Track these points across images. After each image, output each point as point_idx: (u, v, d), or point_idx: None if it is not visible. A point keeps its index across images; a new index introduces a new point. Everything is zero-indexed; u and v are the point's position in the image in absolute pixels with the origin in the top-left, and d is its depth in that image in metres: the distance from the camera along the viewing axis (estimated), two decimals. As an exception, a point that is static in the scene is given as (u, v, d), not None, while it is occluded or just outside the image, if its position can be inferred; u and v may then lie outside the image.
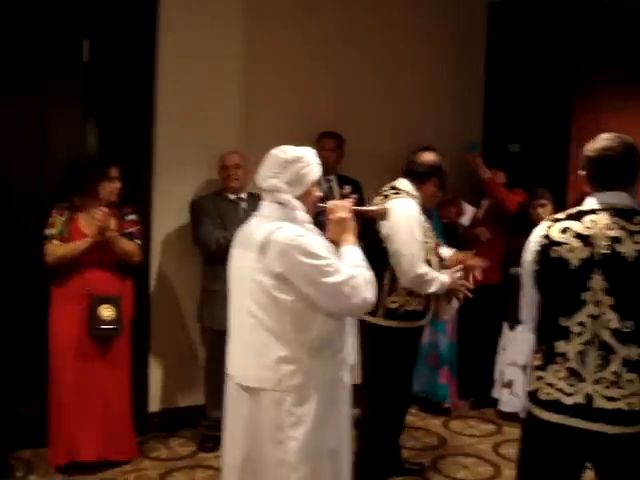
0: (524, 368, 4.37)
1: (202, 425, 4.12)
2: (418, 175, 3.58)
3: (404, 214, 3.39)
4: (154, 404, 4.31)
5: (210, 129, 4.33)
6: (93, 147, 4.13)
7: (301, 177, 2.46)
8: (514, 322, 4.37)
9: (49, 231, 3.63)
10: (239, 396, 2.46)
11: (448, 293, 3.53)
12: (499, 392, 4.66)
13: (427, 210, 3.69)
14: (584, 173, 2.31)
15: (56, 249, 3.61)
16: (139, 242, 3.82)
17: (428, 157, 3.64)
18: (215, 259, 3.85)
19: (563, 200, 4.79)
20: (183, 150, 4.24)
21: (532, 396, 2.28)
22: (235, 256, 2.54)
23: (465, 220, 4.97)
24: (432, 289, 3.40)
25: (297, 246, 2.32)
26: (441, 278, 3.44)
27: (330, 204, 2.57)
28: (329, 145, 4.58)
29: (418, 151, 4.85)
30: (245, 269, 2.43)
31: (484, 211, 5.01)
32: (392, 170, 4.90)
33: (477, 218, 4.99)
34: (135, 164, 4.07)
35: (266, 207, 2.49)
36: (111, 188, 3.72)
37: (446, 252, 3.77)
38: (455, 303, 3.60)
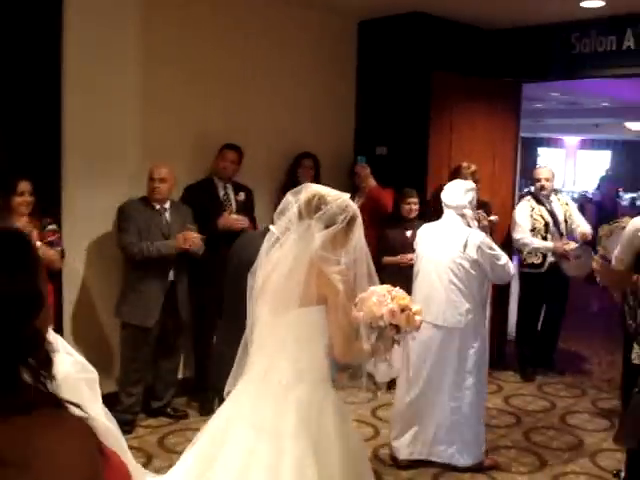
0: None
1: (116, 410, 4.45)
2: None
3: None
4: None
5: (115, 141, 4.59)
6: (1, 160, 4.11)
7: (474, 199, 4.00)
8: None
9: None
10: (434, 334, 3.85)
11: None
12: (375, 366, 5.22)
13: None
14: None
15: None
16: (59, 249, 4.02)
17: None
18: (141, 264, 4.32)
19: (424, 196, 5.52)
20: (89, 162, 4.46)
21: None
22: (429, 246, 3.97)
23: None
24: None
25: (485, 243, 3.86)
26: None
27: (479, 215, 4.22)
28: (229, 157, 4.86)
29: (300, 157, 5.41)
30: (445, 255, 3.87)
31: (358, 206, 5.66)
32: (278, 176, 5.43)
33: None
34: (44, 176, 4.18)
35: (451, 217, 3.94)
36: (20, 202, 3.87)
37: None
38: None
